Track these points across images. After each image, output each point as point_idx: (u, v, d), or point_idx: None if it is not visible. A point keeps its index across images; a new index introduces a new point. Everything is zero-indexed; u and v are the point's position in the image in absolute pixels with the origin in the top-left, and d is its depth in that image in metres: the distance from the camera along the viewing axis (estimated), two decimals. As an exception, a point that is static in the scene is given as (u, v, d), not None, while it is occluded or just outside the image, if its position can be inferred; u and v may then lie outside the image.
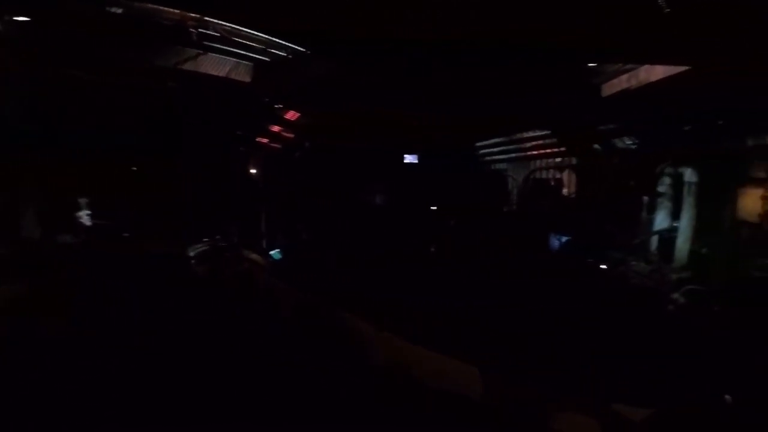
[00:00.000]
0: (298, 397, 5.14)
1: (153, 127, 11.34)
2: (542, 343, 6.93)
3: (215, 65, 9.00)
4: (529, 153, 18.42)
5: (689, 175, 11.14)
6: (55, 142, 10.27)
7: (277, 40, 8.19)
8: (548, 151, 17.07)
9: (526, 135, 17.09)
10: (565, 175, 17.16)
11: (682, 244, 10.85)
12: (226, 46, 8.52)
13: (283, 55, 8.85)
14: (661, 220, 11.73)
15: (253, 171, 16.67)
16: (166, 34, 7.79)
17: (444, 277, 10.84)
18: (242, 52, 8.87)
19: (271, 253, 14.28)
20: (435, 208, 18.96)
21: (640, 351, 6.67)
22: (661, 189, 11.72)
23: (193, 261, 10.12)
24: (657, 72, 7.85)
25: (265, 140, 16.14)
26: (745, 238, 9.94)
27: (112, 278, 7.89)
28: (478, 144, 21.17)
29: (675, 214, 11.45)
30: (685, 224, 11.00)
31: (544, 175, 18.72)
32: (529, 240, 14.34)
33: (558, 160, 17.28)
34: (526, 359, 6.11)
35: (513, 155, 19.80)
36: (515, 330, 7.46)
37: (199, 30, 7.74)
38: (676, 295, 9.24)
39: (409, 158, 21.78)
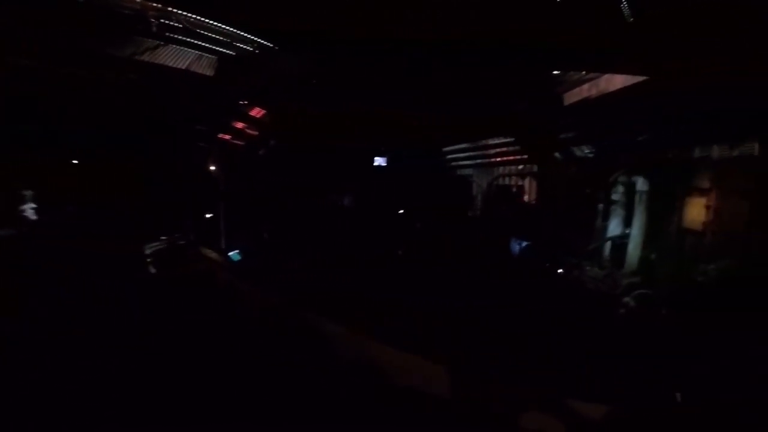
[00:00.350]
0: (262, 396, 5.20)
1: (108, 121, 10.82)
2: (503, 343, 7.15)
3: (176, 57, 8.66)
4: (493, 159, 18.81)
5: (641, 183, 11.66)
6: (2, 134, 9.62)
7: (243, 33, 7.97)
8: (511, 158, 17.49)
9: (491, 141, 17.45)
10: (527, 182, 17.65)
11: (633, 250, 11.34)
12: (188, 37, 8.21)
13: (249, 50, 8.63)
14: (614, 227, 12.23)
15: (213, 168, 16.17)
16: (123, 23, 7.42)
17: (410, 278, 10.94)
18: (206, 44, 8.58)
19: (233, 252, 13.92)
20: (402, 211, 19.07)
21: (595, 352, 6.97)
22: (614, 197, 12.21)
23: (150, 259, 9.75)
24: (616, 82, 8.18)
25: (227, 137, 15.70)
26: (690, 245, 10.53)
27: (60, 275, 7.52)
28: (446, 149, 21.41)
29: (627, 222, 11.96)
30: (636, 231, 11.49)
31: (506, 181, 19.15)
32: (491, 244, 14.68)
33: (520, 167, 17.73)
34: (490, 358, 6.26)
35: (478, 161, 20.16)
36: (478, 330, 7.69)
37: (161, 21, 7.43)
38: (627, 299, 9.66)
39: (378, 160, 21.77)
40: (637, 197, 11.61)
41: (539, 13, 5.47)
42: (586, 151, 12.97)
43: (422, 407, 5.15)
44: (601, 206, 12.52)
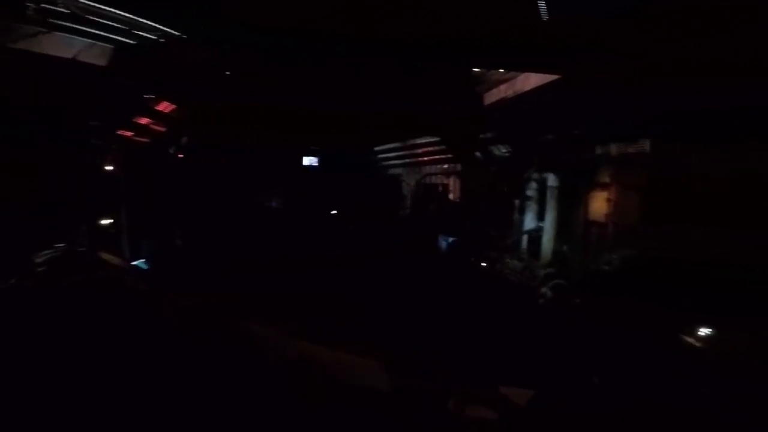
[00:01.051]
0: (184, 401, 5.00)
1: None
2: (435, 335, 7.41)
3: (60, 45, 7.57)
4: (420, 159, 19.17)
5: (551, 180, 12.41)
6: None
7: (144, 21, 7.17)
8: (437, 157, 17.89)
9: (418, 141, 17.68)
10: (452, 181, 18.17)
11: (547, 242, 12.05)
12: (76, 24, 7.21)
13: (153, 39, 7.81)
14: (530, 222, 12.94)
15: (112, 167, 14.58)
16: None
17: (341, 276, 10.83)
18: (97, 32, 7.61)
19: (140, 261, 12.83)
20: (335, 211, 18.87)
21: (519, 340, 7.36)
22: (529, 193, 12.91)
23: (40, 268, 8.85)
24: (530, 82, 8.53)
25: (128, 133, 14.27)
26: (595, 236, 11.39)
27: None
28: (376, 148, 21.39)
29: (540, 216, 12.70)
30: (549, 225, 12.22)
31: (433, 180, 19.59)
32: (421, 241, 14.98)
33: (445, 166, 18.18)
34: (421, 351, 6.49)
35: (406, 161, 20.45)
36: (412, 324, 7.88)
37: (41, 5, 6.44)
38: (545, 290, 10.23)
39: (308, 160, 21.21)
40: (548, 193, 12.34)
41: (457, 13, 5.49)
42: (503, 150, 13.55)
43: (356, 404, 5.16)
44: (517, 202, 13.16)
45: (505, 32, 5.92)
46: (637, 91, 8.15)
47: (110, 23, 7.32)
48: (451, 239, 14.65)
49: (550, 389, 5.39)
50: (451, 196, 17.89)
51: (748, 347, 5.90)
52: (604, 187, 11.30)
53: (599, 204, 11.39)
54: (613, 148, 11.11)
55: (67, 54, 7.76)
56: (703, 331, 6.52)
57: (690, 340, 6.54)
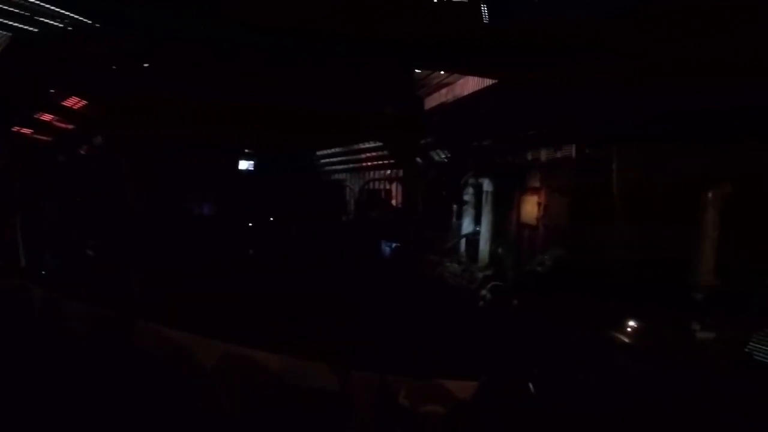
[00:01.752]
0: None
1: None
2: (379, 338, 7.36)
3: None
4: (363, 164, 19.16)
5: (487, 184, 12.77)
6: None
7: (50, 6, 6.37)
8: (380, 162, 17.91)
9: (360, 146, 17.61)
10: (394, 186, 18.30)
11: (484, 246, 12.40)
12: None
13: (59, 26, 6.98)
14: (467, 226, 13.26)
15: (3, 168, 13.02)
16: None
17: (280, 281, 10.43)
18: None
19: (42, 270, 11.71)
20: (272, 218, 18.19)
21: (462, 340, 7.53)
22: (466, 198, 13.23)
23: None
24: (468, 87, 8.64)
25: (27, 131, 12.79)
26: (527, 239, 11.88)
27: None
28: (318, 153, 20.94)
29: (477, 220, 13.04)
30: (485, 229, 12.57)
31: (376, 185, 19.69)
32: (364, 246, 14.89)
33: (388, 171, 18.30)
34: (366, 353, 6.40)
35: (350, 166, 20.32)
36: (355, 328, 7.82)
37: None
38: (484, 292, 10.48)
39: (243, 164, 20.10)
40: (484, 198, 12.70)
41: (403, 12, 5.40)
42: (442, 155, 13.79)
43: (300, 408, 5.09)
44: (455, 207, 13.44)
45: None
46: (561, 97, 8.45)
47: (7, 8, 6.45)
48: (393, 244, 14.75)
49: (491, 381, 5.48)
50: (393, 201, 17.98)
51: (676, 341, 6.36)
52: (534, 191, 11.81)
53: (531, 207, 11.88)
54: (543, 154, 11.64)
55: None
56: (632, 326, 6.93)
57: (620, 335, 6.91)
